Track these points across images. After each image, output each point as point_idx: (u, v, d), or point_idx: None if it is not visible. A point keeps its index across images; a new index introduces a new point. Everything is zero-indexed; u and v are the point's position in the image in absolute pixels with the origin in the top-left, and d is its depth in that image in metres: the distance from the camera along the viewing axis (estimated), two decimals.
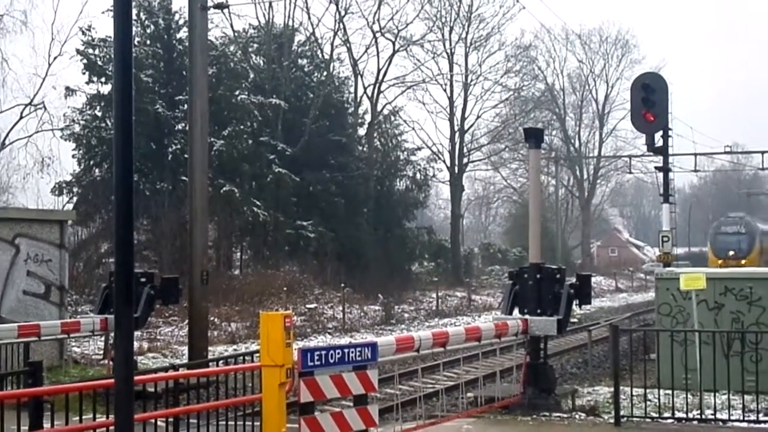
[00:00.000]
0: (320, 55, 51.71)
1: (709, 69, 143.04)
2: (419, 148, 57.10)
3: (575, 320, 30.72)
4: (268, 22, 49.49)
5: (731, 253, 56.26)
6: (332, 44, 52.01)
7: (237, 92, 43.42)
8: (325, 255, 45.46)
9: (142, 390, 8.47)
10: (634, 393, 12.99)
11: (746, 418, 12.73)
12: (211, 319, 22.33)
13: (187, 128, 23.80)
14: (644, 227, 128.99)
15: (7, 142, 41.89)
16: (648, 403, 13.03)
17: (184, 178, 30.02)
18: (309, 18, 51.13)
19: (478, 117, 61.41)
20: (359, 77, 53.46)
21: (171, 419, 8.81)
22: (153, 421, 8.66)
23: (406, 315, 40.30)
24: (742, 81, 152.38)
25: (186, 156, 25.68)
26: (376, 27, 52.75)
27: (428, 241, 55.96)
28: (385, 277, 45.04)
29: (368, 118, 53.90)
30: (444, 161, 60.10)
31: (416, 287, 48.27)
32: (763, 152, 52.89)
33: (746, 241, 58.13)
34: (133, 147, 7.47)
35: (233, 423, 9.14)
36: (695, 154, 52.83)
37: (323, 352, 9.54)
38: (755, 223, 62.81)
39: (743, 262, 53.14)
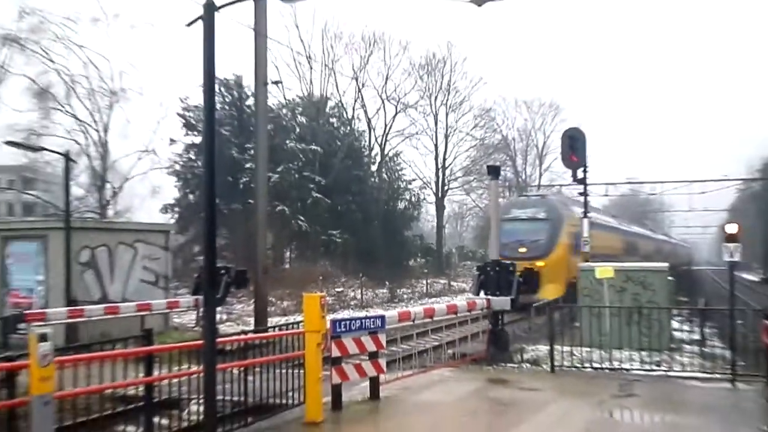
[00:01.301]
0: (345, 115, 52.08)
1: (616, 122, 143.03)
2: (413, 180, 57.47)
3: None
4: (309, 93, 49.93)
5: (522, 250, 27.75)
6: (353, 107, 52.61)
7: (287, 141, 43.77)
8: (348, 254, 45.58)
9: (222, 348, 8.51)
10: (564, 350, 12.96)
11: (641, 368, 12.74)
12: (269, 298, 22.23)
13: (253, 166, 23.90)
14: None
15: (129, 177, 42.18)
16: (573, 357, 13.01)
17: (250, 201, 30.12)
18: (337, 90, 51.61)
19: (455, 158, 61.60)
20: (372, 130, 54.03)
21: (242, 369, 8.83)
22: (230, 370, 8.67)
23: (405, 296, 40.30)
24: (638, 130, 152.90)
25: (252, 185, 25.78)
26: (383, 95, 53.41)
27: (420, 245, 55.97)
28: (390, 270, 44.99)
29: (378, 158, 54.26)
30: (431, 188, 60.34)
31: (412, 277, 48.12)
32: (651, 182, 53.02)
33: (546, 232, 28.43)
34: (215, 179, 7.53)
35: (285, 371, 9.16)
36: (605, 184, 52.78)
37: (347, 322, 9.62)
38: (563, 205, 32.29)
39: (540, 264, 25.46)
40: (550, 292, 22.62)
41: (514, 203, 32.88)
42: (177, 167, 43.82)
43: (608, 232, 37.90)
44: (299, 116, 48.99)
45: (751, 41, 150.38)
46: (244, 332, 11.93)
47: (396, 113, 54.64)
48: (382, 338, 9.98)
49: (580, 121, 72.05)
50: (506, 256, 26.45)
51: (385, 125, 54.27)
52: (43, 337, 5.93)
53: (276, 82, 29.59)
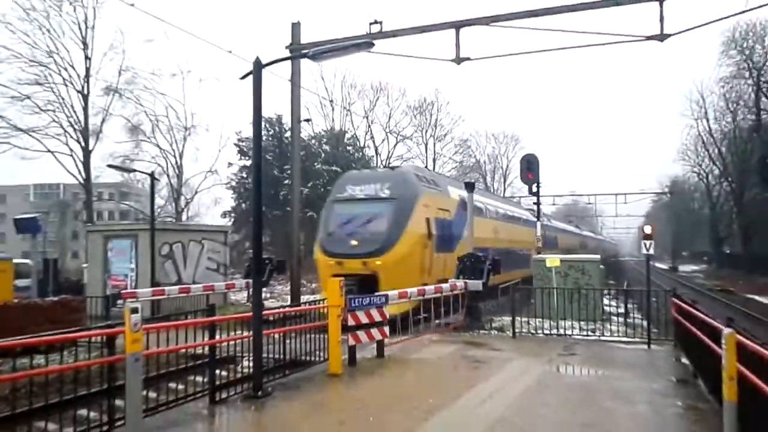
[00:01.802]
0: (358, 144, 52.12)
1: (562, 148, 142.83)
2: None
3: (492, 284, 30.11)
4: (332, 128, 50.04)
5: (353, 243, 14.01)
6: (365, 138, 52.68)
7: (315, 164, 43.74)
8: None
9: (266, 319, 8.50)
10: (522, 320, 12.94)
11: (580, 334, 12.70)
12: (302, 281, 22.19)
13: (290, 183, 23.91)
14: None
15: (198, 191, 42.40)
16: (529, 325, 12.98)
17: (288, 208, 30.13)
18: (352, 125, 51.80)
19: None
20: (378, 156, 53.93)
21: (282, 334, 8.82)
22: (272, 335, 8.65)
23: None
24: (579, 154, 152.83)
25: (289, 197, 25.76)
26: (387, 130, 53.62)
27: None
28: None
29: None
30: None
31: None
32: (588, 194, 52.80)
33: (389, 217, 14.14)
34: (262, 193, 7.54)
35: (314, 336, 9.16)
36: (554, 195, 52.78)
37: (360, 299, 9.59)
38: (421, 179, 16.17)
39: (377, 263, 13.61)
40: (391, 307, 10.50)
41: (351, 178, 17.18)
42: (233, 183, 44.27)
43: (511, 223, 25.22)
44: (324, 145, 49.05)
45: (664, 86, 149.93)
46: (283, 307, 11.92)
47: (396, 143, 54.88)
48: (387, 311, 9.96)
49: (534, 148, 72.19)
50: (333, 253, 14.70)
51: (388, 152, 54.47)
52: (134, 310, 5.95)
53: (307, 120, 29.39)
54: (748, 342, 5.21)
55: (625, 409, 7.00)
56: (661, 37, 12.83)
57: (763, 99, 41.50)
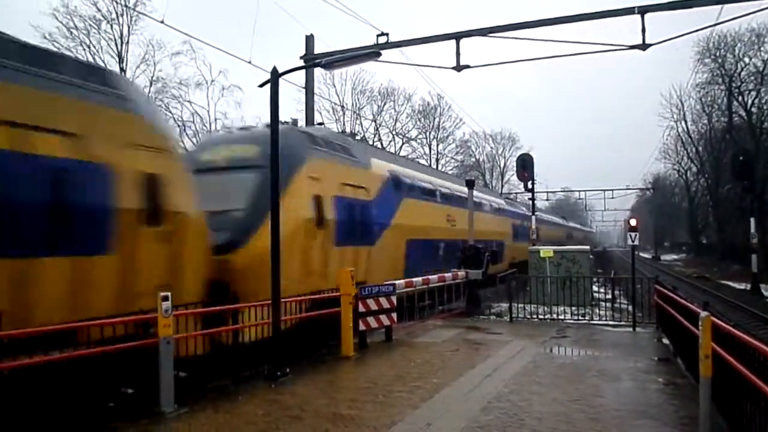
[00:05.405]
0: None
1: (555, 147, 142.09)
2: None
3: (491, 272, 30.09)
4: (343, 131, 50.07)
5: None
6: (373, 141, 52.49)
7: None
8: None
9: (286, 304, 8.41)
10: (519, 306, 12.94)
11: (572, 318, 12.69)
12: None
13: None
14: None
15: None
16: (525, 311, 12.99)
17: None
18: (362, 128, 51.63)
19: None
20: None
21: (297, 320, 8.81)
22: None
23: None
24: (571, 152, 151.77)
25: None
26: (394, 132, 53.69)
27: None
28: None
29: None
30: None
31: None
32: (579, 190, 52.49)
33: (252, 192, 7.53)
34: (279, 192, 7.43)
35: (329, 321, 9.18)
36: (547, 192, 52.65)
37: (370, 287, 9.64)
38: (308, 139, 9.50)
39: (238, 260, 7.06)
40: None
41: (213, 139, 11.28)
42: None
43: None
44: None
45: (649, 90, 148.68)
46: (300, 295, 11.91)
47: (402, 144, 54.79)
48: (395, 299, 9.99)
49: (529, 147, 71.13)
50: None
51: (395, 153, 54.48)
52: (165, 298, 6.03)
53: (320, 124, 29.52)
54: (722, 324, 5.23)
55: (611, 385, 7.01)
56: (643, 46, 12.77)
57: (735, 103, 41.47)
